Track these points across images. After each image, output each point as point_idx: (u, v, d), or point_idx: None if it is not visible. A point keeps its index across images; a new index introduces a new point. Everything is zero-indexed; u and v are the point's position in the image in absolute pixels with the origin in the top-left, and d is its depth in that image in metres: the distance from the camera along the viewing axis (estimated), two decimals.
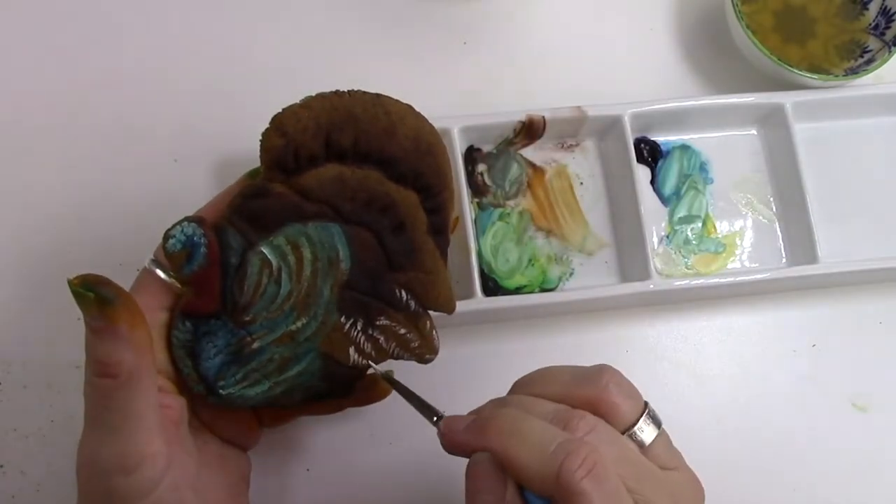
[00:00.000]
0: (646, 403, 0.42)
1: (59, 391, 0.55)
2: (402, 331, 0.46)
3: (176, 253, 0.42)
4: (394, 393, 0.51)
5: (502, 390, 0.57)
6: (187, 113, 0.61)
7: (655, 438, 0.42)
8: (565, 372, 0.44)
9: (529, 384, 0.44)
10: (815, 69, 0.63)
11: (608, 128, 0.61)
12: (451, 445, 0.43)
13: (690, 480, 0.43)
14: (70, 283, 0.38)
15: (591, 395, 0.41)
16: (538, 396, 0.43)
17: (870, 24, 0.64)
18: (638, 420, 0.42)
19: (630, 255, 0.59)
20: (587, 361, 0.58)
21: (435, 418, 0.45)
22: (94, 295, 0.38)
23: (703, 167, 0.62)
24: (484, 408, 0.44)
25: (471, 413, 0.44)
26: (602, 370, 0.42)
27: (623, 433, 0.41)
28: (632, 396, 0.42)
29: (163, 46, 0.62)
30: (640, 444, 0.41)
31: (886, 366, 0.61)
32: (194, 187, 0.59)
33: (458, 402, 0.57)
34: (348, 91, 0.44)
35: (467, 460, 0.42)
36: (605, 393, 0.41)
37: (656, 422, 0.42)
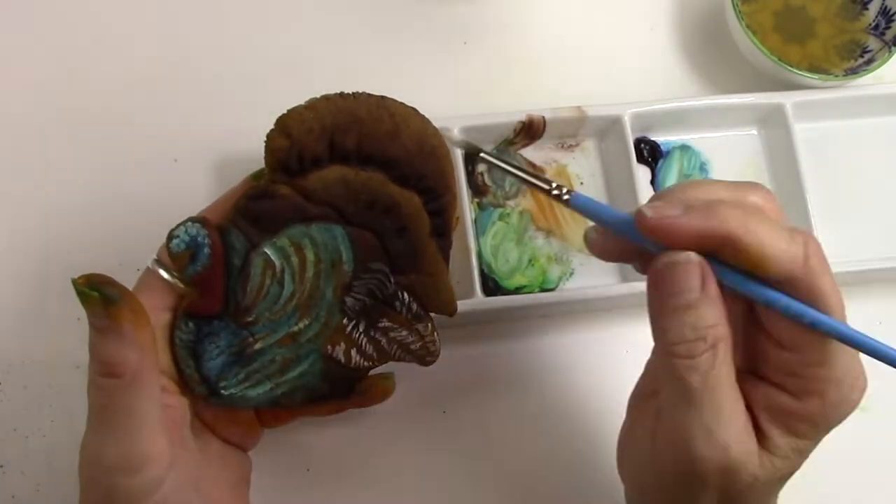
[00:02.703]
0: None
1: (59, 391, 0.55)
2: (404, 332, 0.46)
3: (180, 253, 0.42)
4: (394, 394, 0.51)
5: (502, 390, 0.58)
6: (187, 113, 0.61)
7: None
8: (717, 184, 0.41)
9: (686, 189, 0.41)
10: (815, 69, 0.63)
11: (608, 128, 0.61)
12: (667, 232, 0.38)
13: None
14: (75, 282, 0.38)
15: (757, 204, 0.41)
16: None
17: (870, 24, 0.65)
18: None
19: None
20: (587, 361, 0.59)
21: (563, 191, 0.42)
22: (99, 295, 0.38)
23: (703, 167, 0.63)
24: (665, 195, 0.40)
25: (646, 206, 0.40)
26: (758, 185, 0.42)
27: None
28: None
29: (163, 46, 0.62)
30: None
31: (886, 366, 0.61)
32: (194, 187, 0.59)
33: (459, 401, 0.57)
34: (353, 93, 0.44)
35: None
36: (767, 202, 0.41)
37: None
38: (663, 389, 0.41)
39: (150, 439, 0.39)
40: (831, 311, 0.38)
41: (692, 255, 0.38)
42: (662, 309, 0.39)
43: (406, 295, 0.46)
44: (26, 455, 0.54)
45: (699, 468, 0.39)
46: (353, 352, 0.46)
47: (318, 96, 0.43)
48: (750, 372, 0.41)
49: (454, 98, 0.62)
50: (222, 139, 0.59)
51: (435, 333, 0.47)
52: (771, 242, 0.37)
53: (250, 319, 0.44)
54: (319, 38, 0.63)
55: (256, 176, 0.45)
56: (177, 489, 0.41)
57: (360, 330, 0.45)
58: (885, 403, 0.60)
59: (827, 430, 0.41)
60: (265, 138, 0.43)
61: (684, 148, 0.63)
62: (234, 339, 0.44)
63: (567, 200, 0.42)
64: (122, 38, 0.62)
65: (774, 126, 0.62)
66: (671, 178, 0.62)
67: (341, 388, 0.47)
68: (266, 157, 0.43)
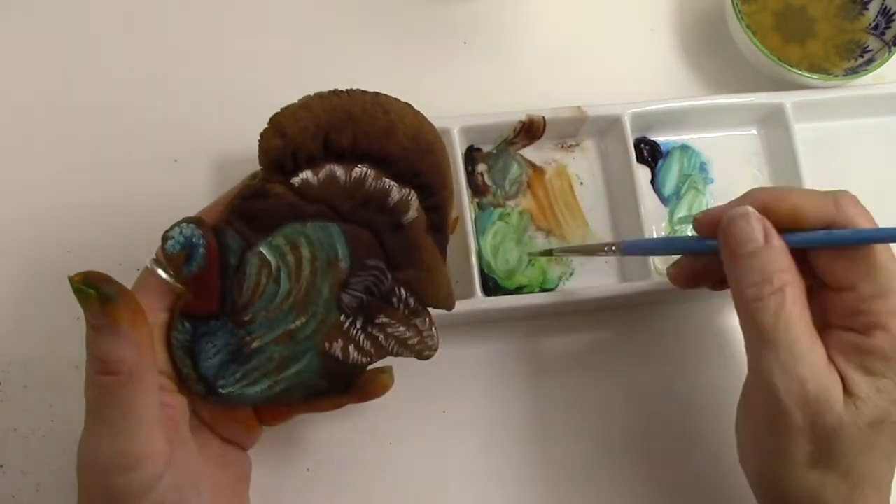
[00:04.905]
0: None
1: (59, 391, 0.55)
2: (402, 328, 0.46)
3: (175, 254, 0.42)
4: (392, 391, 0.51)
5: (502, 390, 0.58)
6: (187, 113, 0.61)
7: None
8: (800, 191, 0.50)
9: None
10: (815, 69, 0.63)
11: (608, 128, 0.61)
12: (712, 219, 0.47)
13: None
14: (71, 280, 0.38)
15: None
16: None
17: (870, 24, 0.65)
18: None
19: (630, 255, 0.59)
20: (587, 361, 0.59)
21: (613, 247, 0.52)
22: (95, 292, 0.38)
23: (703, 167, 0.62)
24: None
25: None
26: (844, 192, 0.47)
27: None
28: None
29: (163, 47, 0.62)
30: None
31: None
32: (194, 187, 0.59)
33: (459, 401, 0.57)
34: (347, 90, 0.43)
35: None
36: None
37: None
38: (746, 340, 0.45)
39: (147, 437, 0.39)
40: None
41: (749, 208, 0.44)
42: (731, 259, 0.45)
43: (403, 291, 0.45)
44: (26, 455, 0.54)
45: (782, 406, 0.42)
46: (351, 348, 0.46)
47: (311, 94, 0.43)
48: (823, 326, 0.45)
49: (454, 98, 0.62)
50: (222, 139, 0.59)
51: (433, 328, 0.47)
52: (802, 201, 0.44)
53: (247, 318, 0.44)
54: (319, 38, 0.64)
55: (255, 176, 0.45)
56: (175, 488, 0.41)
57: (358, 326, 0.45)
58: None
59: None
60: (259, 137, 0.42)
61: (684, 148, 0.63)
62: (231, 338, 0.44)
63: (620, 251, 0.52)
64: (122, 38, 0.62)
65: (774, 126, 0.62)
66: (671, 177, 0.62)
67: (339, 385, 0.47)
68: (260, 157, 0.43)
